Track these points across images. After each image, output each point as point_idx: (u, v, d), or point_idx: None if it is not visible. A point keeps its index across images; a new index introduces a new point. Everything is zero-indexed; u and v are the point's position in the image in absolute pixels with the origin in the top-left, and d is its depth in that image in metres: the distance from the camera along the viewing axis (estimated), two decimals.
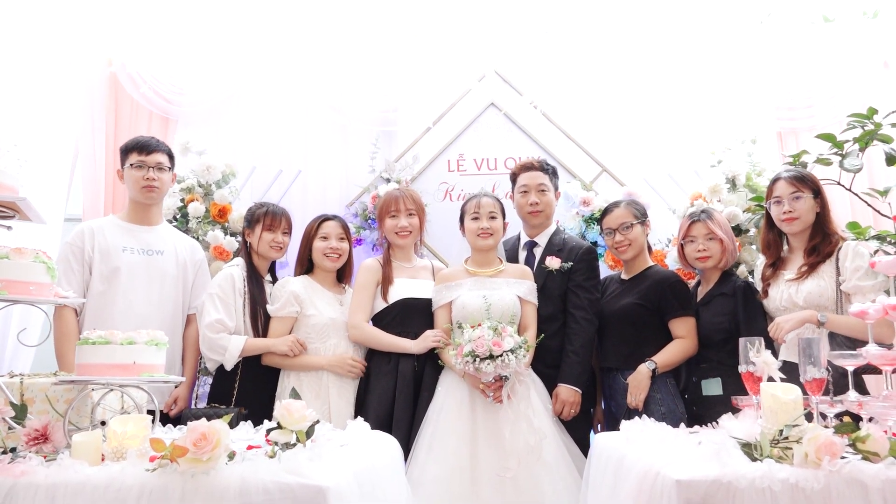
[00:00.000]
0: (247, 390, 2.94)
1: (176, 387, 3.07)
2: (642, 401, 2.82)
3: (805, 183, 2.80)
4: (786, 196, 2.80)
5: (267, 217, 3.11)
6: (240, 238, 3.35)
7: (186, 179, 3.71)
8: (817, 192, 2.80)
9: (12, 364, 3.48)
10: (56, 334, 2.86)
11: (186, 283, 3.13)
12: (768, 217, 2.91)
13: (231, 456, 1.66)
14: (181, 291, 3.11)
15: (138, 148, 3.04)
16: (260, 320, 3.02)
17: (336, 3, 4.21)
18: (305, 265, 3.13)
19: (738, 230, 3.51)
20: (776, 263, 2.89)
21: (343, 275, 3.18)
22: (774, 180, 2.88)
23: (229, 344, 2.91)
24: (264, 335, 3.00)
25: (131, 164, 3.03)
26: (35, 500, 1.58)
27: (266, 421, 1.99)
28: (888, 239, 2.82)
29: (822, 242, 2.76)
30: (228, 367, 2.93)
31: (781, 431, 1.74)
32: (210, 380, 3.14)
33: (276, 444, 1.78)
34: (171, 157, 3.13)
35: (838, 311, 2.64)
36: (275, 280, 3.23)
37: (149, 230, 3.10)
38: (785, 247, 2.94)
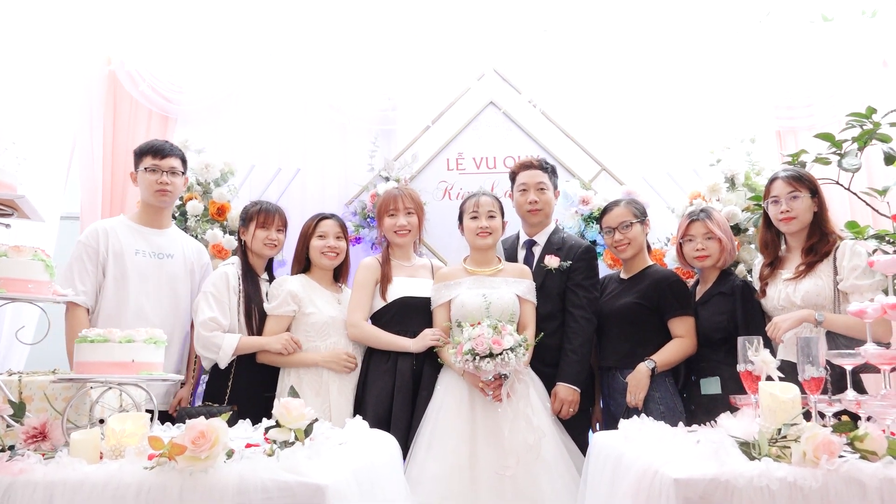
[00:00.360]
0: (241, 389, 2.94)
1: (182, 385, 3.07)
2: (642, 399, 2.82)
3: (802, 182, 2.80)
4: (783, 195, 2.80)
5: (260, 215, 3.11)
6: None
7: None
8: (815, 192, 2.80)
9: (6, 361, 3.48)
10: (67, 333, 2.86)
11: (194, 287, 3.14)
12: (766, 216, 2.91)
13: (229, 454, 1.66)
14: (189, 295, 3.12)
15: (152, 152, 3.05)
16: (254, 319, 3.02)
17: (335, 2, 4.20)
18: (303, 263, 3.13)
19: (737, 229, 3.52)
20: (774, 263, 2.89)
21: (339, 273, 3.19)
22: (772, 180, 2.89)
23: (223, 342, 2.91)
24: (259, 333, 3.01)
25: (145, 168, 3.04)
26: (33, 498, 1.58)
27: (265, 419, 1.99)
28: (887, 238, 2.82)
29: (819, 242, 2.76)
30: (222, 365, 2.93)
31: (780, 430, 1.74)
32: None
33: (274, 442, 1.78)
34: (184, 161, 3.15)
35: (836, 310, 2.65)
36: (272, 279, 3.23)
37: (160, 233, 3.11)
38: (783, 246, 2.94)
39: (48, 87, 3.80)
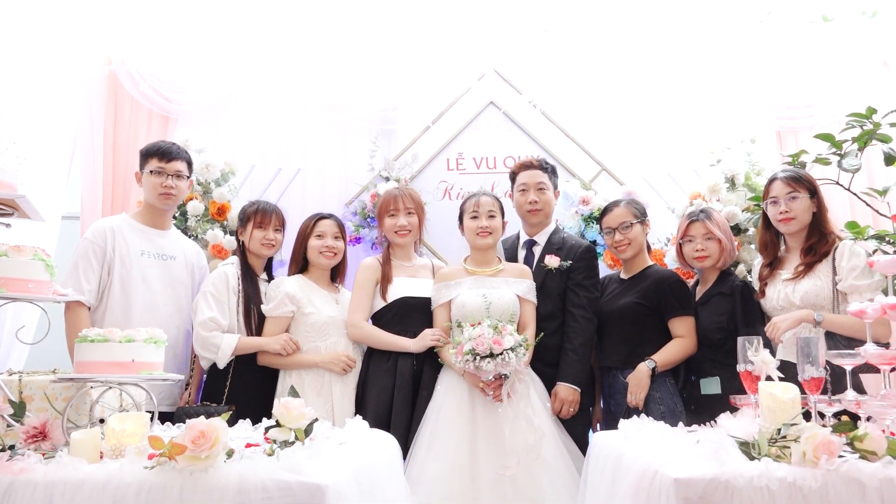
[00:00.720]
0: (238, 389, 2.94)
1: (187, 387, 3.07)
2: (642, 399, 2.82)
3: (801, 183, 2.81)
4: (782, 196, 2.81)
5: (257, 215, 3.11)
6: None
7: None
8: (813, 192, 2.80)
9: (7, 361, 3.47)
10: (68, 331, 2.85)
11: (194, 289, 3.14)
12: (765, 217, 2.92)
13: (229, 454, 1.66)
14: (190, 297, 3.11)
15: (159, 154, 3.03)
16: (253, 319, 3.02)
17: (336, 2, 4.20)
18: (300, 263, 3.13)
19: (737, 229, 3.52)
20: (773, 263, 2.90)
21: (336, 274, 3.19)
22: (771, 181, 2.89)
23: (222, 342, 2.91)
24: (258, 334, 3.01)
25: (150, 171, 3.02)
26: (34, 498, 1.58)
27: (265, 419, 1.99)
28: (887, 238, 2.82)
29: (818, 242, 2.76)
30: (221, 365, 2.93)
31: (779, 430, 1.74)
32: None
33: (274, 442, 1.78)
34: (189, 164, 3.14)
35: (835, 310, 2.65)
36: (271, 278, 3.23)
37: (163, 234, 3.11)
38: (782, 247, 2.94)
39: (49, 87, 3.79)
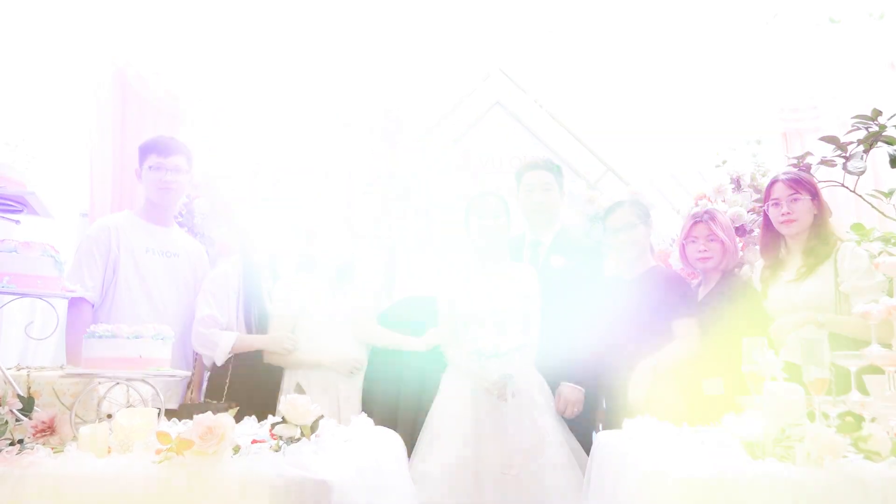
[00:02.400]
0: (238, 386, 2.94)
1: (189, 385, 3.08)
2: (642, 397, 2.82)
3: (803, 185, 2.81)
4: (784, 198, 2.81)
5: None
6: None
7: None
8: (815, 194, 2.81)
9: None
10: (69, 328, 2.83)
11: (197, 286, 3.14)
12: (766, 219, 2.92)
13: (236, 449, 1.67)
14: (194, 294, 3.11)
15: (157, 150, 3.00)
16: (253, 317, 3.02)
17: (341, 4, 4.22)
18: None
19: (743, 230, 3.52)
20: (775, 265, 2.90)
21: (342, 274, 3.19)
22: (772, 183, 2.89)
23: (220, 340, 2.91)
24: (258, 332, 3.01)
25: (149, 167, 3.00)
26: (42, 492, 1.59)
27: (270, 416, 2.00)
28: (892, 240, 2.82)
29: (819, 244, 2.76)
30: (219, 362, 2.93)
31: (784, 431, 1.75)
32: None
33: (280, 438, 1.79)
34: (189, 158, 3.10)
35: (837, 311, 2.65)
36: (275, 277, 3.23)
37: (165, 231, 3.11)
38: (783, 248, 2.94)
39: (59, 87, 3.80)
